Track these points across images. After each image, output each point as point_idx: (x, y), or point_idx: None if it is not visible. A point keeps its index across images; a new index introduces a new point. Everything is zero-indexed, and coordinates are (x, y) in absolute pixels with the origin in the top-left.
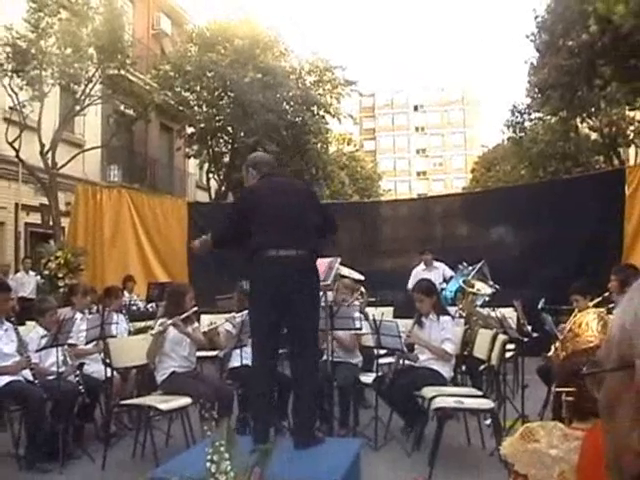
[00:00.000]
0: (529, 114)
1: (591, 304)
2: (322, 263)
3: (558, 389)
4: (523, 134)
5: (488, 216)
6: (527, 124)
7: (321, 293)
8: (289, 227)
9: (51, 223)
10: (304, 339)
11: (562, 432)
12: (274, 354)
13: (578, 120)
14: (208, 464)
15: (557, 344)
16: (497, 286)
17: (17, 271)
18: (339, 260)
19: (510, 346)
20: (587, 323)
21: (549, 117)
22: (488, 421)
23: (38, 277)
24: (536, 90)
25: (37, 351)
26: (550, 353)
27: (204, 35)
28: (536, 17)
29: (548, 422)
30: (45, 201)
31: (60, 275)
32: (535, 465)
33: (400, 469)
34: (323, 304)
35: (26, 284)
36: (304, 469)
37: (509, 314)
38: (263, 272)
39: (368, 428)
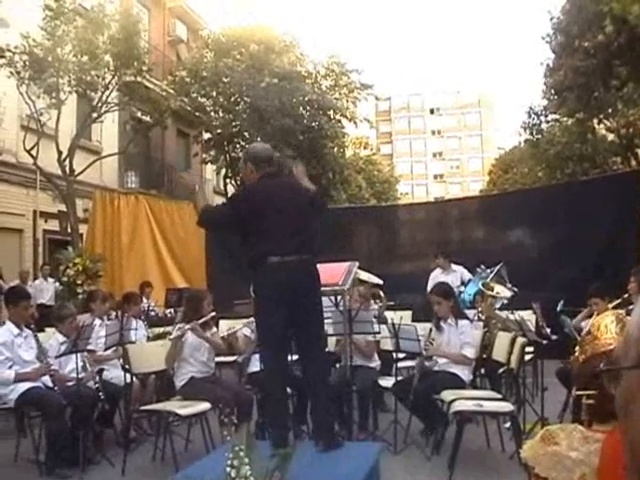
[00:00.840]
0: (545, 116)
1: (610, 306)
2: (340, 267)
3: (578, 392)
4: (540, 136)
5: (506, 219)
6: (544, 126)
7: (339, 297)
8: (292, 233)
9: (69, 230)
10: (313, 342)
11: (582, 434)
12: (285, 358)
13: (595, 121)
14: (228, 469)
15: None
16: (515, 289)
17: (36, 278)
18: (357, 264)
19: (529, 349)
20: (606, 325)
21: (566, 119)
22: (508, 424)
23: (57, 284)
24: (552, 92)
25: (57, 357)
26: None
27: (220, 41)
28: (551, 18)
29: (568, 425)
30: (63, 208)
31: (79, 282)
32: (555, 468)
33: (420, 473)
34: (341, 308)
35: (45, 291)
36: (324, 473)
37: (528, 317)
38: (268, 279)
39: (387, 432)
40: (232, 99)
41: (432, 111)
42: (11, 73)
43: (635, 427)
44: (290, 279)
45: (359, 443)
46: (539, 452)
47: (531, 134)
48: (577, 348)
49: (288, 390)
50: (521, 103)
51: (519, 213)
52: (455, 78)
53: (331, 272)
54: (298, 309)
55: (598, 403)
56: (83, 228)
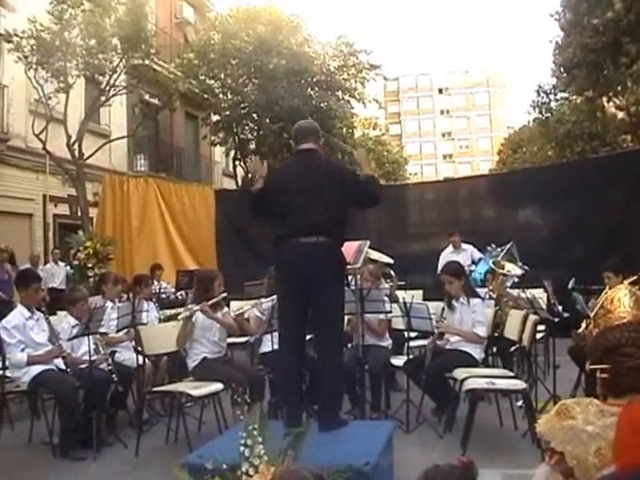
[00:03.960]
0: (555, 94)
1: (626, 282)
2: (351, 246)
3: (592, 366)
4: (549, 115)
5: (516, 197)
6: (553, 104)
7: (350, 277)
8: (311, 214)
9: (79, 214)
10: (326, 324)
11: (598, 408)
12: (300, 339)
13: (604, 99)
14: (242, 448)
15: (588, 321)
16: (526, 267)
17: (46, 262)
18: (368, 243)
19: (541, 327)
20: (619, 299)
21: (575, 97)
22: (520, 402)
23: (67, 268)
24: (561, 70)
25: (69, 340)
26: (580, 330)
27: (227, 22)
28: None
29: (584, 399)
30: (73, 192)
31: (89, 265)
32: (571, 442)
33: (432, 451)
34: (353, 288)
35: (56, 275)
36: (337, 451)
37: (539, 295)
38: (285, 259)
39: (400, 411)
40: (240, 81)
41: (441, 91)
42: (19, 58)
43: None
44: (305, 260)
45: (372, 421)
46: (555, 426)
47: (540, 113)
48: (584, 323)
49: (302, 370)
50: (531, 82)
51: (529, 192)
52: (464, 57)
53: (343, 251)
54: (312, 291)
55: (612, 377)
56: (93, 212)
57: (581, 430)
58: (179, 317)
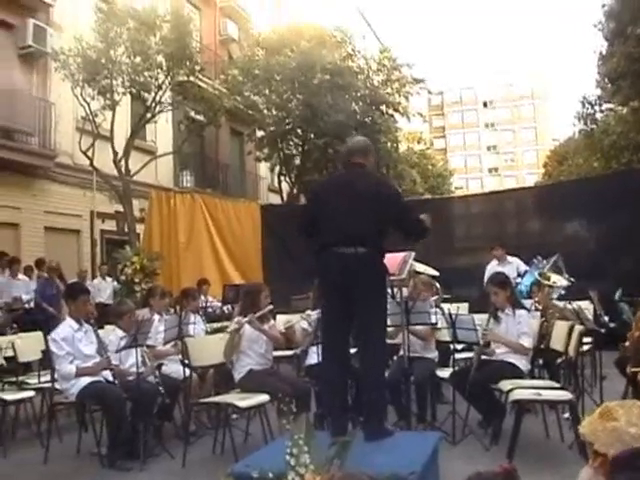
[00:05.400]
0: (600, 105)
1: None
2: (396, 257)
3: (634, 369)
4: (594, 126)
5: (561, 209)
6: (598, 115)
7: (395, 289)
8: (352, 225)
9: (126, 229)
10: (368, 334)
11: None
12: (343, 349)
13: None
14: (288, 457)
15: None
16: (572, 279)
17: (94, 277)
18: (413, 254)
19: (587, 339)
20: None
21: (620, 107)
22: (566, 414)
23: (115, 283)
24: (606, 80)
25: (117, 352)
26: (627, 342)
27: (271, 39)
28: (603, 5)
29: (627, 401)
30: (120, 208)
31: (136, 280)
32: (614, 444)
33: (478, 463)
34: (398, 299)
35: (103, 290)
36: (383, 461)
37: (585, 307)
38: (324, 269)
39: (446, 423)
40: (284, 96)
41: (485, 104)
42: (65, 76)
43: None
44: (343, 270)
45: (418, 432)
46: (598, 428)
47: (585, 124)
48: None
49: (347, 381)
50: (575, 93)
51: (575, 203)
52: (508, 70)
53: (387, 262)
54: (353, 300)
55: None
56: (140, 228)
57: (624, 432)
58: (227, 329)
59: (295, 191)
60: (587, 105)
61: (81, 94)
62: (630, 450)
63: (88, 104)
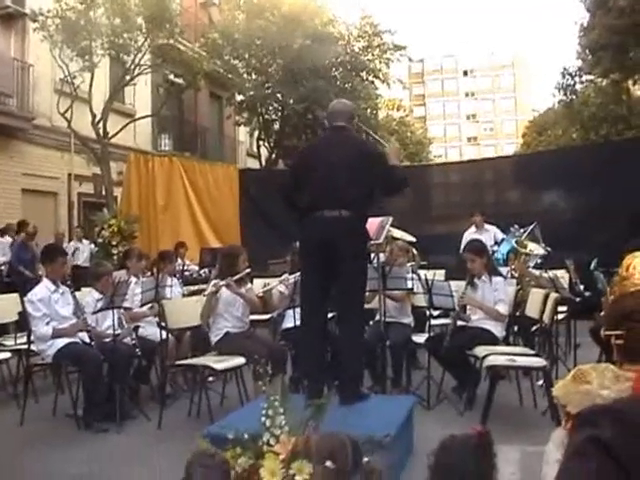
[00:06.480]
0: (580, 77)
1: None
2: (373, 222)
3: (607, 332)
4: (574, 97)
5: (540, 179)
6: (578, 87)
7: (373, 254)
8: (336, 188)
9: (103, 192)
10: (347, 298)
11: (614, 373)
12: (322, 313)
13: (630, 82)
14: (263, 418)
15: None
16: (549, 248)
17: (70, 240)
18: (390, 219)
19: (562, 308)
20: (634, 266)
21: (600, 79)
22: (540, 382)
23: (92, 245)
24: (587, 52)
25: (94, 313)
26: (602, 313)
27: (251, 2)
28: None
29: (600, 364)
30: (97, 171)
31: (114, 243)
32: (586, 406)
33: (453, 428)
34: (375, 265)
35: (80, 252)
36: (358, 423)
37: (561, 276)
38: (308, 231)
39: (421, 388)
40: (264, 61)
41: (465, 73)
42: (44, 37)
43: None
44: (325, 233)
45: (393, 396)
46: (571, 390)
47: (565, 95)
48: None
49: (325, 345)
50: (556, 64)
51: (553, 174)
52: (489, 39)
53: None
54: (334, 264)
55: (627, 343)
56: (117, 191)
57: (597, 395)
58: (205, 292)
59: (274, 156)
60: (567, 76)
61: (60, 56)
62: (590, 407)
63: (67, 66)
